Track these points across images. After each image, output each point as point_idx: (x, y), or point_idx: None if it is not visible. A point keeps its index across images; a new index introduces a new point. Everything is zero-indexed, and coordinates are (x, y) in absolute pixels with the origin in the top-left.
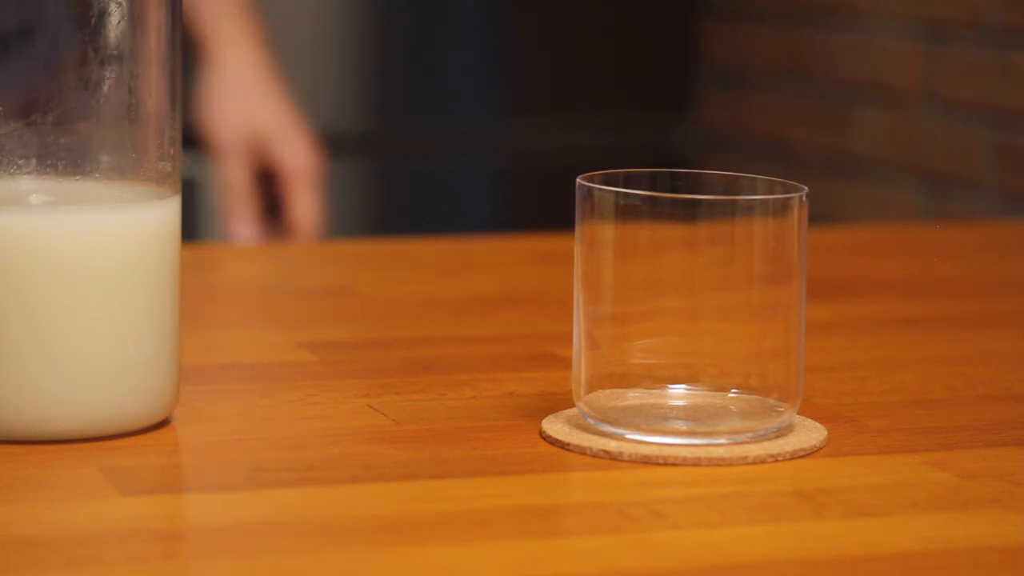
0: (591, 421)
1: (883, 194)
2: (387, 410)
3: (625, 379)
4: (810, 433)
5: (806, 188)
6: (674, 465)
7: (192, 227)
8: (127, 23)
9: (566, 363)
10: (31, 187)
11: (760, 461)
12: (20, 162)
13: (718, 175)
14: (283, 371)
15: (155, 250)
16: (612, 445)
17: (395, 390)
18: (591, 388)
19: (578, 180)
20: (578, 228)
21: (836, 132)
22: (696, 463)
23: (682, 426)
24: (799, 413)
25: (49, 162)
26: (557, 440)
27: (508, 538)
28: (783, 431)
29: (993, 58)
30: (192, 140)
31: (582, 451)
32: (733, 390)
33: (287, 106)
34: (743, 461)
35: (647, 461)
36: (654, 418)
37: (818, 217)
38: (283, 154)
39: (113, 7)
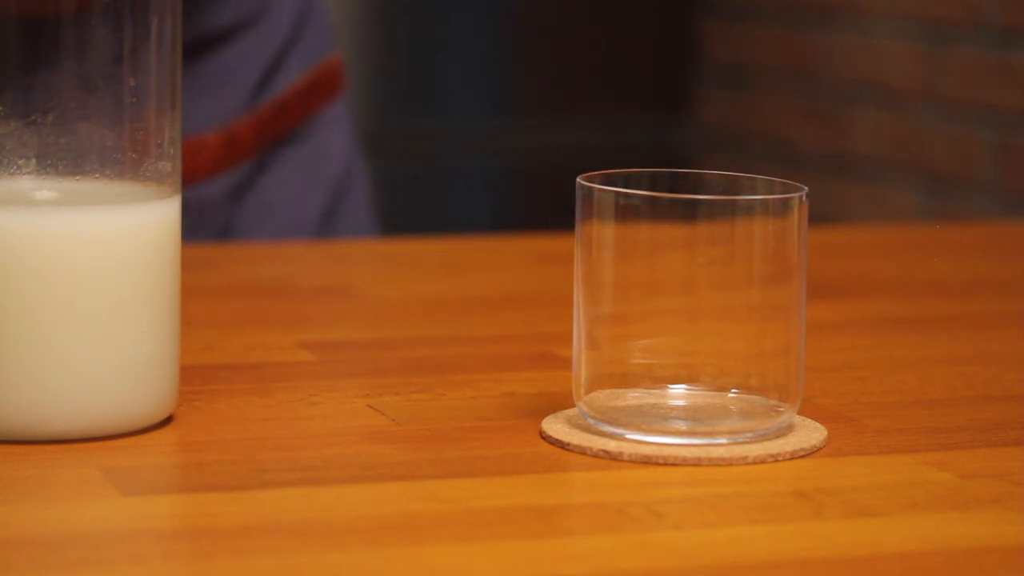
0: (591, 421)
1: (883, 194)
2: (387, 410)
3: (625, 379)
4: (810, 433)
5: (806, 188)
6: (674, 465)
7: None
8: (127, 23)
9: (566, 363)
10: (31, 187)
11: (760, 461)
12: (20, 162)
13: (718, 175)
14: (283, 371)
15: (155, 250)
16: (612, 445)
17: (395, 390)
18: (591, 388)
19: (578, 180)
20: (578, 228)
21: (836, 132)
22: (696, 463)
23: (682, 426)
24: (799, 413)
25: (49, 162)
26: (557, 440)
27: (508, 538)
28: (783, 431)
29: (993, 58)
30: None
31: (582, 451)
32: (733, 390)
33: None
34: (743, 461)
35: (647, 461)
36: (654, 418)
37: (818, 217)
38: None
39: (113, 7)
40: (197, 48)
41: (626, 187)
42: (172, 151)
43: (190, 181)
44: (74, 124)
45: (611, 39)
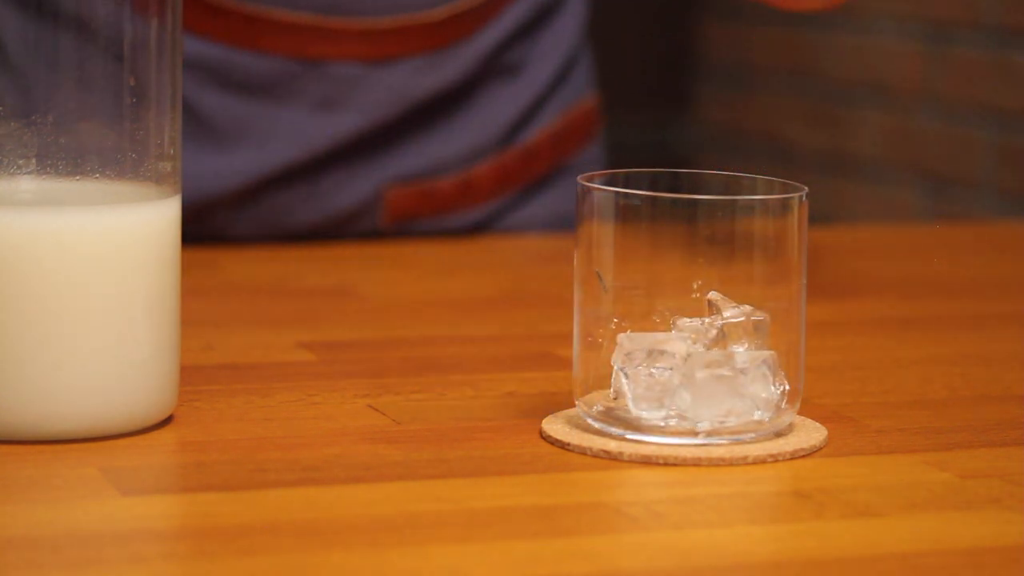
0: (591, 421)
1: (883, 194)
2: (387, 410)
3: None
4: (810, 433)
5: (806, 188)
6: (674, 465)
7: None
8: (128, 22)
9: (566, 363)
10: (31, 187)
11: (760, 461)
12: (20, 162)
13: (718, 175)
14: (283, 371)
15: (155, 250)
16: (612, 445)
17: (395, 390)
18: (591, 388)
19: (578, 180)
20: (578, 228)
21: (836, 132)
22: (696, 463)
23: (682, 426)
24: (799, 413)
25: (49, 162)
26: (557, 440)
27: (508, 538)
28: (783, 431)
29: (993, 58)
30: None
31: (582, 451)
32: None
33: None
34: (743, 461)
35: (647, 461)
36: (654, 418)
37: (818, 217)
38: None
39: (113, 6)
40: (452, 97)
41: (626, 187)
42: (172, 151)
43: (419, 217)
44: (74, 124)
45: (611, 39)
